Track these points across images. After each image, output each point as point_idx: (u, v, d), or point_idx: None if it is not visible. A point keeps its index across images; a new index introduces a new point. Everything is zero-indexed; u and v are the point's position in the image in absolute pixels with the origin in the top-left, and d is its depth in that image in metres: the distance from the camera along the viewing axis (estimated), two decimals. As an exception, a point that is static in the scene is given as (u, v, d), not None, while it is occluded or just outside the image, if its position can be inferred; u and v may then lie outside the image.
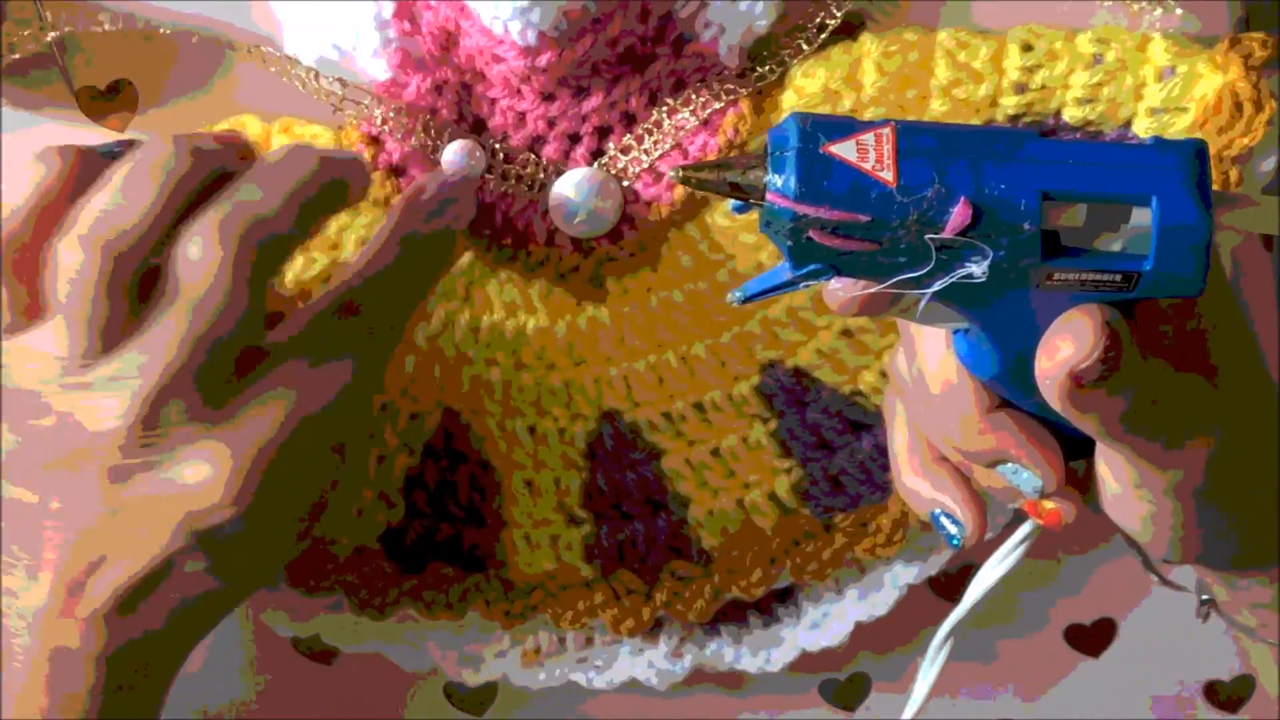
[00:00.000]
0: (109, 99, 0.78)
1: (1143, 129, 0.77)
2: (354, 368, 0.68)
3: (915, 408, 0.69)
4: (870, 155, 0.59)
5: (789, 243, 0.61)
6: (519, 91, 0.76)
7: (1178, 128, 0.76)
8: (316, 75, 0.75)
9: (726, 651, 0.84)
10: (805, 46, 0.77)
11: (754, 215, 0.75)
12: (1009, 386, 0.64)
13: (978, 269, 0.59)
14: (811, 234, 0.60)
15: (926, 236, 0.59)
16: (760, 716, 0.86)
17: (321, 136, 0.76)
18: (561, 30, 0.72)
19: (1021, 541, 0.71)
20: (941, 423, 0.67)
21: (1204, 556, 0.70)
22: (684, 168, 0.62)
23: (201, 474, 0.64)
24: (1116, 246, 0.59)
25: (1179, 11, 0.78)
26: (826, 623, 0.83)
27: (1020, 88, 0.77)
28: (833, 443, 0.80)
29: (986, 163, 0.59)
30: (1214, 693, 0.89)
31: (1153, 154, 0.59)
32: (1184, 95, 0.76)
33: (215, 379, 0.65)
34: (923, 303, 0.62)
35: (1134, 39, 0.77)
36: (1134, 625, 0.87)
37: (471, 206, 0.76)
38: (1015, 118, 0.77)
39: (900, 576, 0.83)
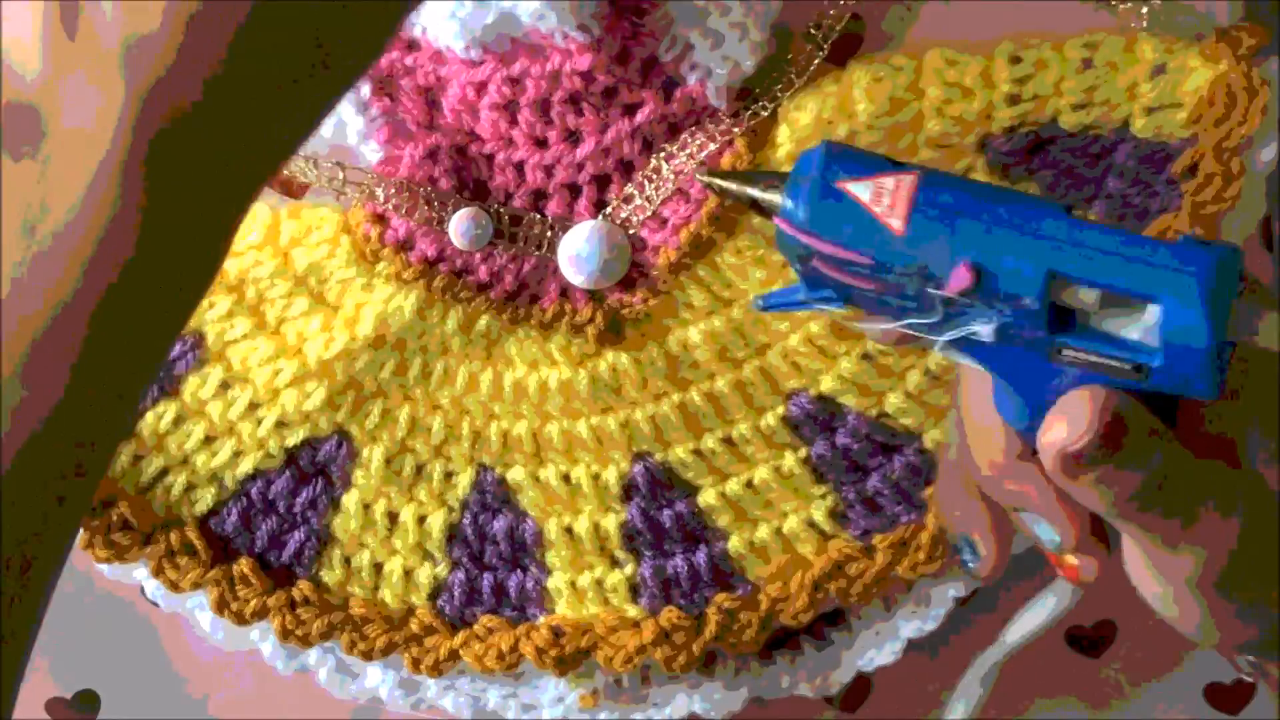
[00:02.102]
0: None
1: (1139, 128, 0.77)
2: None
3: (957, 434, 0.69)
4: (885, 199, 0.60)
5: (798, 267, 0.62)
6: (510, 140, 0.77)
7: (1174, 123, 0.76)
8: (315, 163, 0.77)
9: (784, 678, 0.84)
10: (795, 80, 0.77)
11: (759, 249, 0.76)
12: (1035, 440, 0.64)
13: (984, 330, 0.60)
14: (816, 263, 0.61)
15: (928, 289, 0.60)
16: (761, 717, 0.86)
17: (329, 219, 0.78)
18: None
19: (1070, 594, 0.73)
20: (972, 458, 0.67)
21: (1242, 646, 0.68)
22: (711, 172, 0.64)
23: None
24: (1134, 334, 0.59)
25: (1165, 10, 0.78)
26: (879, 641, 0.84)
27: (1013, 99, 0.77)
28: (865, 465, 0.81)
29: (1001, 230, 0.59)
30: (1214, 693, 0.89)
31: (1176, 253, 0.58)
32: (1177, 91, 0.76)
33: None
34: (935, 349, 0.63)
35: (1122, 40, 0.77)
36: (1134, 625, 0.87)
37: None
38: (1011, 129, 0.77)
39: (949, 590, 0.83)
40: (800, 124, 0.77)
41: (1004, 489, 0.67)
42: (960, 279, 0.59)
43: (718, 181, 0.65)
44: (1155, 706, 0.84)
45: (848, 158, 0.62)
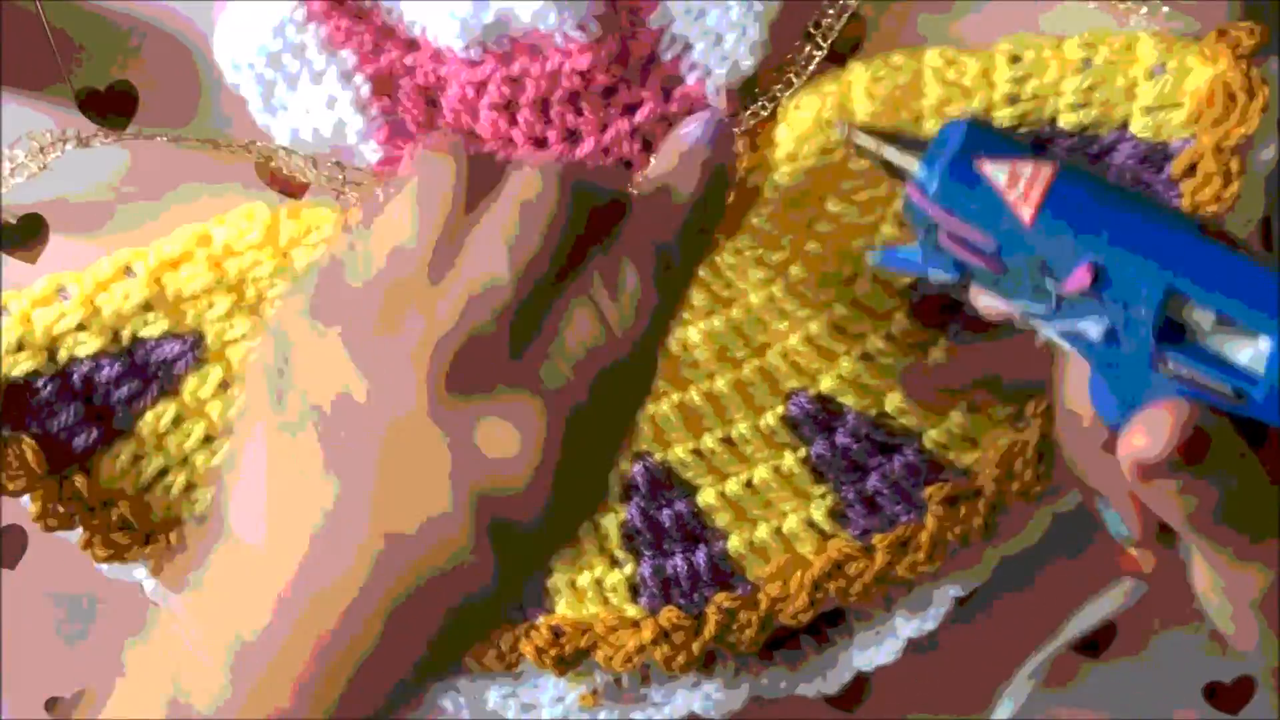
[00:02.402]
0: (110, 100, 0.79)
1: (1139, 128, 0.76)
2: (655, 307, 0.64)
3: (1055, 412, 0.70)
4: (1020, 186, 0.60)
5: (921, 235, 0.63)
6: (510, 139, 0.77)
7: (1173, 123, 0.76)
8: (315, 163, 0.77)
9: (783, 679, 0.85)
10: (795, 80, 0.77)
11: (759, 249, 0.76)
12: None
13: (1092, 330, 0.60)
14: (940, 236, 0.62)
15: (1045, 282, 0.60)
16: (761, 717, 0.86)
17: (329, 219, 0.78)
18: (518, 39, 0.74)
19: (1133, 589, 0.73)
20: (1062, 440, 0.69)
21: None
22: (852, 125, 0.65)
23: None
24: (1242, 359, 0.59)
25: (1165, 10, 0.78)
26: (879, 641, 0.84)
27: (1012, 99, 0.77)
28: (864, 465, 0.81)
29: (1129, 238, 0.59)
30: (1214, 693, 0.89)
31: None
32: (1176, 91, 0.76)
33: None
34: (1038, 339, 0.63)
35: (1121, 40, 0.77)
36: (1134, 625, 0.87)
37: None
38: (1011, 129, 0.77)
39: (948, 590, 0.84)
40: (800, 124, 0.77)
41: (1085, 475, 0.68)
42: (1079, 279, 0.59)
43: (858, 136, 0.66)
44: (1155, 706, 0.84)
45: (991, 137, 0.62)
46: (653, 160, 0.71)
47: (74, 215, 0.80)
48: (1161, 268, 0.58)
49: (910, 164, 0.63)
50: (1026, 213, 0.60)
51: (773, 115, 0.77)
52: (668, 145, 0.71)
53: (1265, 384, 0.58)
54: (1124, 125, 0.77)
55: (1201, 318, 0.59)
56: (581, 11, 0.74)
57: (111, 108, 0.79)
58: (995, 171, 0.60)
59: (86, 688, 0.86)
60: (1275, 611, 0.64)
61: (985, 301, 0.65)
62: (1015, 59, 0.77)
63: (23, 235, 0.80)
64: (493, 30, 0.74)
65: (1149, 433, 0.60)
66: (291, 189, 0.80)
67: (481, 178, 0.63)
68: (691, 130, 0.71)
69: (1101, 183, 0.61)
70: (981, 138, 0.61)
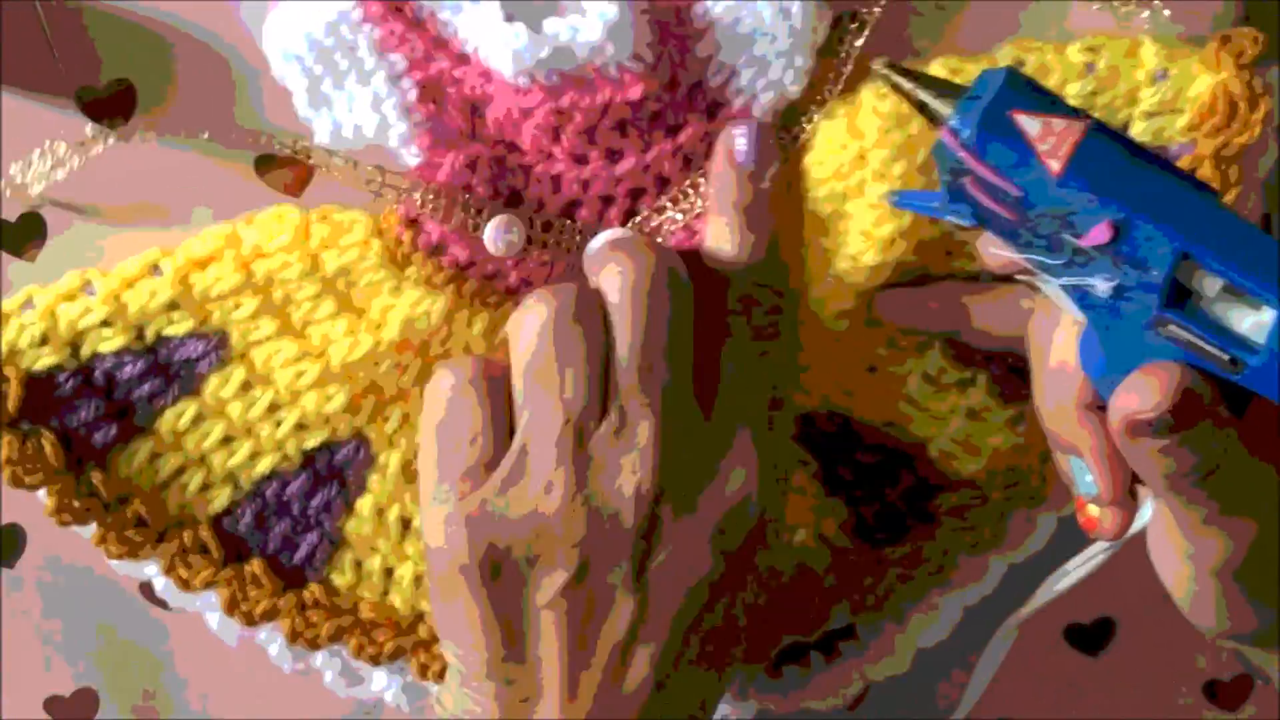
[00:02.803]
0: (109, 99, 0.79)
1: (1139, 133, 0.77)
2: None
3: (1033, 366, 0.73)
4: (1051, 139, 0.62)
5: (946, 178, 0.64)
6: (550, 155, 0.77)
7: (1174, 129, 0.77)
8: (355, 164, 0.77)
9: (793, 692, 0.85)
10: (827, 97, 0.78)
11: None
12: (1108, 395, 0.65)
13: (1101, 284, 0.62)
14: (966, 182, 0.64)
15: (1064, 234, 0.62)
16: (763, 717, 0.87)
17: (360, 223, 0.77)
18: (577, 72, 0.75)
19: (1104, 551, 0.74)
20: (1042, 394, 0.71)
21: (1241, 635, 0.71)
22: (892, 65, 0.67)
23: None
24: (1243, 328, 0.61)
25: (1167, 13, 0.79)
26: (888, 653, 0.85)
27: None
28: (874, 478, 0.82)
29: (1151, 200, 0.61)
30: (1214, 690, 0.90)
31: None
32: (1178, 97, 0.77)
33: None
34: (1045, 289, 0.65)
35: (1124, 45, 0.78)
36: (1134, 625, 0.88)
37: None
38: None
39: (957, 600, 0.84)
40: (818, 148, 0.78)
41: (1064, 431, 0.70)
42: (1099, 234, 0.61)
43: (894, 76, 0.67)
44: (1155, 705, 0.86)
45: (1028, 89, 0.63)
46: (716, 196, 0.75)
47: (102, 210, 0.79)
48: (1178, 231, 0.61)
49: (945, 108, 0.64)
50: (1055, 165, 0.61)
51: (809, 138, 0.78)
52: (727, 172, 0.75)
53: (1264, 353, 0.60)
54: (1125, 129, 0.78)
55: (1209, 284, 0.61)
56: (634, 43, 0.74)
57: (111, 107, 0.78)
58: (1029, 123, 0.62)
59: (86, 688, 0.85)
60: (1230, 577, 0.66)
61: (994, 251, 0.67)
62: (1018, 64, 0.78)
63: (22, 235, 0.79)
64: (545, 64, 0.74)
65: (1143, 391, 0.62)
66: (300, 174, 0.80)
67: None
68: (739, 153, 0.75)
69: (1131, 146, 0.63)
70: (1019, 89, 0.63)
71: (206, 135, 0.76)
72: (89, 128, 0.76)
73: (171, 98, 0.78)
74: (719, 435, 0.72)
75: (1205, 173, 0.77)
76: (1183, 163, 0.77)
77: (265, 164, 0.79)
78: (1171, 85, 0.77)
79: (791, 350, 0.78)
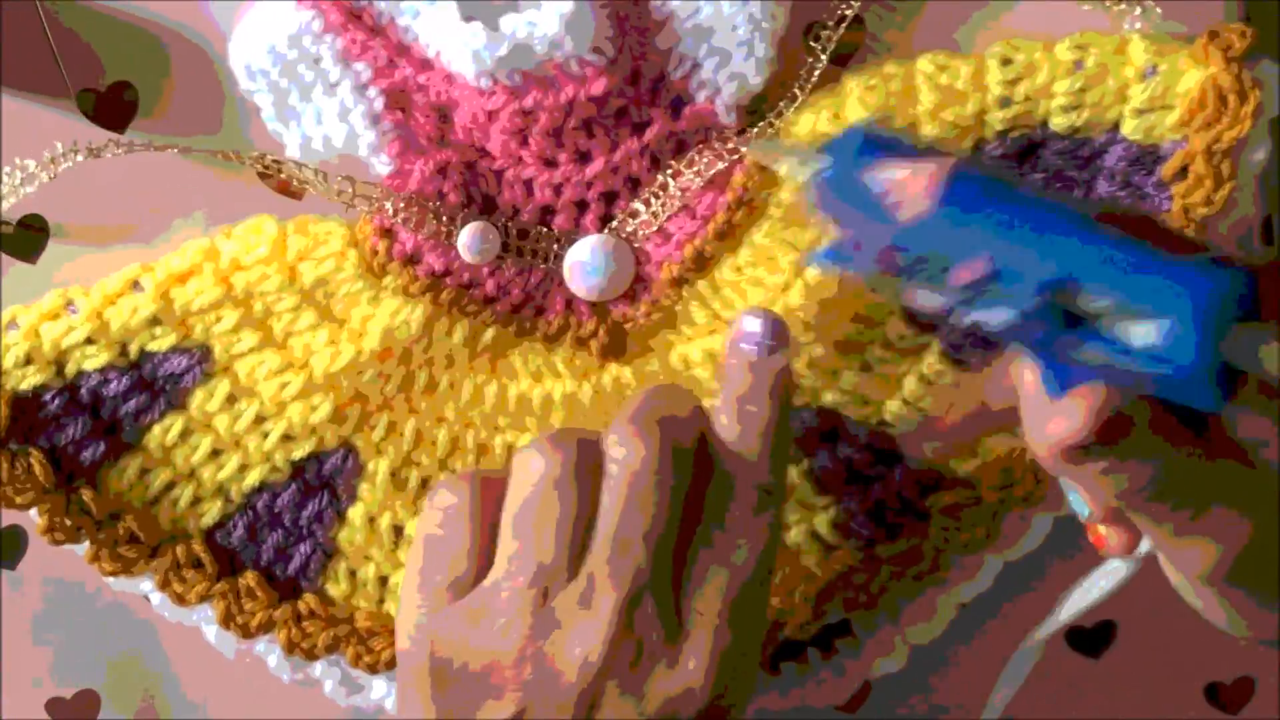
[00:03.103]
0: (109, 101, 0.79)
1: (1130, 130, 0.77)
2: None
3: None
4: (914, 183, 0.62)
5: (832, 234, 0.65)
6: (520, 159, 0.77)
7: (1165, 125, 0.77)
8: (325, 176, 0.77)
9: (792, 690, 0.85)
10: (799, 94, 0.78)
11: (759, 270, 0.77)
12: None
13: (994, 319, 0.61)
14: (843, 230, 0.64)
15: (943, 274, 0.62)
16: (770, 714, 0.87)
17: (335, 233, 0.78)
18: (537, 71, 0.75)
19: (1121, 570, 0.73)
20: (1025, 429, 0.69)
21: (1269, 641, 0.69)
22: (755, 143, 0.69)
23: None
24: (1140, 343, 0.60)
25: (1159, 11, 0.78)
26: (884, 650, 0.85)
27: (1005, 101, 0.77)
28: (867, 476, 0.82)
29: (1020, 229, 0.60)
30: (1214, 693, 0.89)
31: (1180, 274, 0.58)
32: (1168, 93, 0.77)
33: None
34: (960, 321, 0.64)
35: (1113, 42, 0.77)
36: (1134, 625, 0.88)
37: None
38: (1003, 133, 0.77)
39: (952, 597, 0.84)
40: (798, 136, 0.77)
41: (1044, 457, 0.67)
42: (972, 270, 0.61)
43: (757, 149, 0.69)
44: (1155, 706, 0.85)
45: (885, 140, 0.64)
46: (723, 382, 0.74)
47: (81, 225, 0.80)
48: (1050, 256, 0.60)
49: (804, 173, 0.65)
50: (922, 208, 0.61)
51: (778, 131, 0.78)
52: (732, 360, 0.74)
53: (1161, 361, 0.59)
54: (1115, 127, 0.77)
55: (1096, 304, 0.60)
56: (594, 35, 0.74)
57: (111, 107, 0.79)
58: (891, 171, 0.62)
59: (88, 689, 0.86)
60: (1222, 583, 0.65)
61: (920, 298, 0.65)
62: (1007, 61, 0.77)
63: (23, 239, 0.80)
64: (505, 63, 0.74)
65: (1070, 415, 0.62)
66: (289, 192, 0.80)
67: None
68: (748, 335, 0.74)
69: (995, 176, 0.62)
70: (876, 140, 0.63)
71: (174, 151, 0.77)
72: (58, 145, 0.76)
73: (165, 103, 0.79)
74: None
75: (1198, 168, 0.76)
76: (1175, 158, 0.77)
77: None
78: (1161, 81, 0.77)
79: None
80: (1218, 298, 0.58)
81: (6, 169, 0.76)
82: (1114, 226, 0.60)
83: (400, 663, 0.74)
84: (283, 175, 0.77)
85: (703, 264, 0.79)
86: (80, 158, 0.77)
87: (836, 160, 0.63)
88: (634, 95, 0.76)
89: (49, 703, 0.86)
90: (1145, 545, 0.70)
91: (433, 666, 0.72)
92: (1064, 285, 0.59)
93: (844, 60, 0.79)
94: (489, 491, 0.74)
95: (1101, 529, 0.70)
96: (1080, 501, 0.69)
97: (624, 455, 0.71)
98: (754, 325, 0.73)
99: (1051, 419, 0.63)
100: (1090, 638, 0.88)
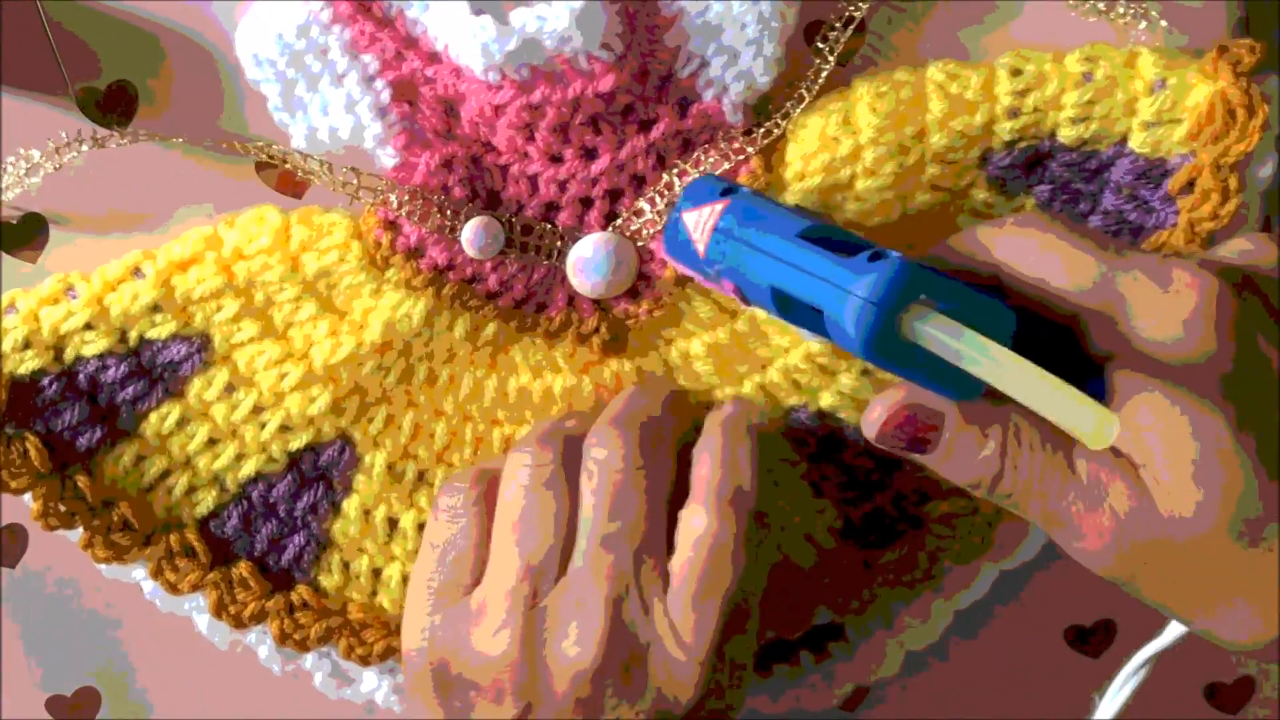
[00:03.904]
0: (109, 99, 0.79)
1: (1138, 143, 0.77)
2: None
3: None
4: (700, 226, 0.70)
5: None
6: (526, 154, 0.77)
7: (1173, 139, 0.77)
8: (330, 167, 0.77)
9: (784, 692, 0.85)
10: (806, 95, 0.78)
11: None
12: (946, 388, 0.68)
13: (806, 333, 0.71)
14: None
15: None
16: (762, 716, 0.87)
17: (339, 225, 0.78)
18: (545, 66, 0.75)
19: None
20: None
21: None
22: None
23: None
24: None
25: (1164, 24, 0.78)
26: (877, 655, 0.85)
27: (1013, 112, 0.77)
28: (864, 480, 0.82)
29: (750, 251, 0.68)
30: (1214, 693, 0.89)
31: (846, 274, 0.64)
32: (1176, 106, 0.77)
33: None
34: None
35: (1122, 55, 0.77)
36: (1134, 625, 0.87)
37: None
38: (1011, 144, 0.77)
39: (948, 605, 0.84)
40: (806, 141, 0.77)
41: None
42: (730, 293, 0.69)
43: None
44: (1155, 706, 0.85)
45: (700, 188, 0.71)
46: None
47: (83, 216, 0.80)
48: (767, 271, 0.67)
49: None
50: (700, 246, 0.70)
51: (784, 133, 0.78)
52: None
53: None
54: (1123, 140, 0.77)
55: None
56: (603, 31, 0.74)
57: (112, 108, 0.79)
58: (690, 217, 0.70)
59: (88, 687, 0.86)
60: None
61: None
62: (1016, 72, 0.77)
63: (23, 235, 0.80)
64: (515, 57, 0.74)
65: (870, 411, 0.70)
66: (292, 185, 0.80)
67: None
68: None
69: (756, 207, 0.69)
70: (692, 191, 0.71)
71: (180, 141, 0.77)
72: (63, 133, 0.76)
73: (164, 99, 0.79)
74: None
75: (1206, 182, 0.76)
76: (1182, 172, 0.77)
77: (266, 164, 0.80)
78: (1169, 95, 0.77)
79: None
80: (868, 288, 0.63)
81: (10, 159, 0.76)
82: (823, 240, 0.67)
83: (405, 665, 0.75)
84: (287, 166, 0.77)
85: None
86: (85, 148, 0.76)
87: (678, 206, 0.72)
88: (641, 93, 0.76)
89: (49, 701, 0.86)
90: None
91: (435, 669, 0.73)
92: (780, 294, 0.67)
93: (843, 62, 0.79)
94: (491, 492, 0.75)
95: None
96: None
97: (604, 456, 0.73)
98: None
99: (866, 410, 0.71)
100: (1090, 637, 0.88)
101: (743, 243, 0.68)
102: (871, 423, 0.69)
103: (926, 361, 0.64)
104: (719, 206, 0.69)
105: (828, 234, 0.67)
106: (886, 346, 0.63)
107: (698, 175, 0.76)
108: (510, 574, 0.73)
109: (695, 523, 0.73)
